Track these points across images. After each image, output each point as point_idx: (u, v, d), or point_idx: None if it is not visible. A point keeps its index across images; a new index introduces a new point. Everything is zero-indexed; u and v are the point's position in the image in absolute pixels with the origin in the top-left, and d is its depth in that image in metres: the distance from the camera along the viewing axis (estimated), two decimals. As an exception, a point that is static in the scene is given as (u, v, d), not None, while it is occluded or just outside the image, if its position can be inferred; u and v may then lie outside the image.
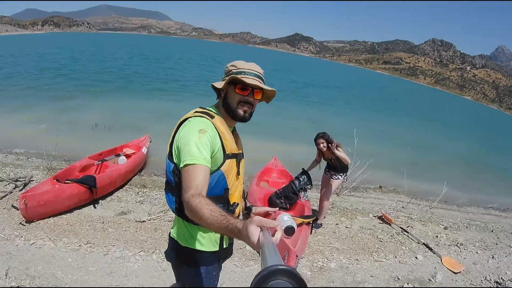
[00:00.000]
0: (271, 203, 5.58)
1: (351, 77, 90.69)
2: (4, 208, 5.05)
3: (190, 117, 1.73)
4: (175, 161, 1.68)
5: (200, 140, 1.58)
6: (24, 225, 4.65)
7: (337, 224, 6.11)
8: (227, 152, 1.75)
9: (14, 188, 5.73)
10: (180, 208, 1.68)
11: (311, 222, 4.80)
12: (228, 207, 1.84)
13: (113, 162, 7.00)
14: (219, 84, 1.80)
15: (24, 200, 4.58)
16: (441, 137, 20.45)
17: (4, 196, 5.42)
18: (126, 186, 6.77)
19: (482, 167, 14.66)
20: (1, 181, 5.95)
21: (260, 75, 1.80)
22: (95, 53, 46.96)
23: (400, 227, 5.96)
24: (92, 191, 5.60)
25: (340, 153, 5.16)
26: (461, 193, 10.09)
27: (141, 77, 26.22)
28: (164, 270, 4.05)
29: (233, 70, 1.77)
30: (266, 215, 1.91)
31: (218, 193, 1.76)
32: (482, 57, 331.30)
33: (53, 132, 9.82)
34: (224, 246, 1.93)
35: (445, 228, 6.34)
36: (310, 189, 5.76)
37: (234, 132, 1.95)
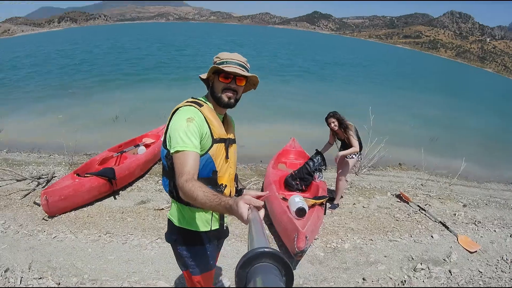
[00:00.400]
0: (287, 184, 5.64)
1: (371, 53, 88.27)
2: (27, 206, 5.30)
3: (180, 107, 1.88)
4: (168, 147, 1.82)
5: (189, 128, 1.73)
6: (47, 220, 4.87)
7: (354, 204, 6.09)
8: (214, 137, 1.89)
9: (37, 186, 5.98)
10: (173, 190, 1.92)
11: (324, 202, 4.82)
12: (217, 189, 1.96)
13: (132, 153, 7.17)
14: (205, 75, 1.97)
15: (46, 196, 4.78)
16: (462, 111, 19.68)
17: (28, 194, 5.68)
18: (146, 175, 6.92)
19: (504, 142, 14.04)
20: (24, 179, 6.21)
21: (242, 63, 1.92)
22: (113, 45, 47.57)
23: (418, 205, 5.87)
24: (112, 182, 5.78)
25: (350, 136, 5.16)
26: (481, 169, 9.76)
27: (161, 67, 26.32)
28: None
29: (217, 61, 1.91)
30: (258, 197, 1.98)
31: (207, 175, 1.89)
32: (501, 28, 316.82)
33: (74, 128, 10.15)
34: (213, 228, 2.07)
35: (464, 205, 6.20)
36: (324, 170, 5.75)
37: (225, 118, 2.10)
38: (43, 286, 3.38)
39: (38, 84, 18.10)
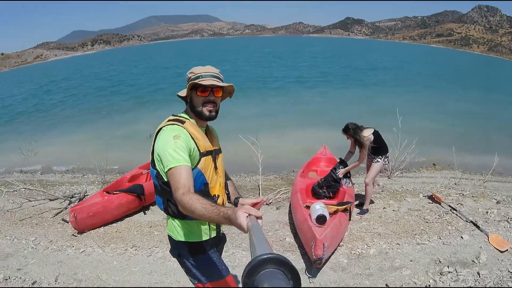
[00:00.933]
0: (314, 193, 5.61)
1: (406, 54, 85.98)
2: (58, 223, 5.57)
3: (164, 127, 1.93)
4: (157, 167, 1.90)
5: (177, 145, 1.79)
6: (76, 236, 5.10)
7: (384, 208, 5.91)
8: (201, 151, 1.95)
9: (69, 204, 6.28)
10: (168, 207, 1.98)
11: (348, 208, 4.75)
12: (210, 200, 1.96)
13: None
14: (183, 93, 2.00)
15: (74, 213, 5.01)
16: (496, 106, 18.50)
17: (59, 212, 5.98)
18: None
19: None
20: (56, 199, 6.52)
21: (216, 74, 1.98)
22: (148, 64, 49.08)
23: (449, 206, 5.61)
24: (141, 198, 5.96)
25: (361, 150, 5.30)
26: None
27: None
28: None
29: (192, 77, 1.96)
30: (254, 205, 1.99)
31: (199, 188, 1.93)
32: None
33: (108, 147, 10.55)
34: (212, 236, 2.13)
35: (498, 202, 5.82)
36: (349, 176, 5.68)
37: (207, 130, 2.14)
38: None
39: (74, 107, 19.14)
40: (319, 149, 7.45)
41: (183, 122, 1.94)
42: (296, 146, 10.30)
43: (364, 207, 5.71)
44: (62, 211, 6.03)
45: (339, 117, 13.86)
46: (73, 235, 5.12)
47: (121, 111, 17.38)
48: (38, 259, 4.44)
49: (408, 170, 8.32)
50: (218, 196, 2.09)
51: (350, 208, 4.84)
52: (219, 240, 2.27)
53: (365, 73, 33.19)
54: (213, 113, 1.99)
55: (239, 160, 8.71)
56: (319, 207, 4.49)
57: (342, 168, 5.59)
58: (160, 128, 1.94)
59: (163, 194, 1.96)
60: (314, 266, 3.91)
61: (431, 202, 6.00)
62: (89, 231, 5.24)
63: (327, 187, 5.52)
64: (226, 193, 2.26)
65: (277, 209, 5.95)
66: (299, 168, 6.84)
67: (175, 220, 2.03)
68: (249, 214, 1.37)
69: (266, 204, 6.14)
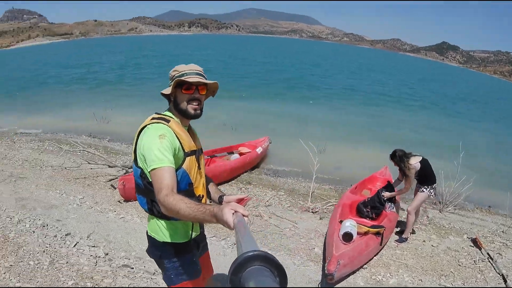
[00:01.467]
0: (358, 211, 5.62)
1: (497, 90, 79.69)
2: (109, 188, 6.09)
3: (148, 125, 1.90)
4: (141, 166, 1.87)
5: (162, 145, 1.77)
6: (121, 203, 5.58)
7: (424, 241, 5.69)
8: (186, 151, 1.94)
9: (125, 173, 6.78)
10: (152, 207, 1.95)
11: (381, 232, 4.70)
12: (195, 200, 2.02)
13: (226, 159, 7.66)
14: (168, 90, 1.98)
15: (123, 182, 5.48)
16: None
17: (113, 179, 6.52)
18: (233, 181, 7.30)
19: None
20: (114, 167, 7.10)
21: (200, 72, 1.99)
22: (245, 57, 49.94)
23: (487, 253, 5.31)
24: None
25: (407, 177, 5.25)
26: None
27: (285, 82, 26.80)
28: (225, 255, 4.49)
29: (176, 74, 1.95)
30: (239, 201, 2.01)
31: (184, 188, 1.93)
32: None
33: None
34: (194, 235, 2.12)
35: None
36: (394, 201, 5.61)
37: (189, 129, 2.13)
38: (91, 254, 3.94)
39: (157, 84, 20.02)
40: (379, 169, 7.36)
41: (168, 121, 1.91)
42: (361, 162, 10.08)
43: (403, 235, 5.56)
44: (116, 178, 6.52)
45: (414, 139, 13.35)
46: (118, 201, 5.60)
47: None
48: (79, 215, 4.96)
49: (461, 208, 7.89)
50: (203, 196, 2.09)
51: (382, 232, 4.76)
52: (201, 239, 2.28)
53: (453, 101, 31.30)
54: (198, 111, 1.98)
55: (298, 163, 8.78)
56: (349, 224, 4.53)
57: (387, 191, 5.56)
58: (144, 126, 1.91)
59: (147, 194, 1.92)
60: (326, 280, 3.95)
61: (472, 245, 5.68)
62: (134, 201, 5.59)
63: (372, 208, 5.51)
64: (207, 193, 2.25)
65: (320, 219, 5.96)
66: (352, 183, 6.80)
67: (160, 220, 1.99)
68: (235, 211, 1.38)
69: (312, 212, 6.17)
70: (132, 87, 20.32)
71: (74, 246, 4.04)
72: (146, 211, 2.02)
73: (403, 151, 5.29)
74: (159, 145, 1.76)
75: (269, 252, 0.89)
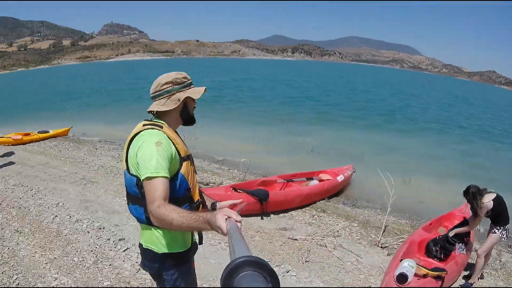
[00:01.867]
0: (427, 249, 5.11)
1: None
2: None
3: (141, 131, 1.84)
4: (135, 174, 1.80)
5: (159, 153, 1.72)
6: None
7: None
8: (182, 155, 1.89)
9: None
10: (149, 218, 1.82)
11: (443, 276, 4.18)
12: (193, 205, 1.95)
13: (305, 185, 7.40)
14: (174, 104, 1.93)
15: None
16: None
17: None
18: (307, 208, 6.95)
19: None
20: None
21: None
22: (346, 85, 49.75)
23: None
24: (262, 203, 6.10)
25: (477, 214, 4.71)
26: None
27: (382, 111, 25.35)
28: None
29: (186, 82, 1.98)
30: (232, 207, 1.96)
31: (183, 194, 1.88)
32: None
33: (269, 151, 10.98)
34: (192, 242, 2.05)
35: None
36: (466, 242, 5.01)
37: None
38: (138, 261, 3.94)
39: (248, 108, 20.90)
40: (460, 206, 6.48)
41: (161, 127, 1.87)
42: (446, 198, 8.84)
43: (470, 280, 4.88)
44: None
45: (506, 180, 11.38)
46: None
47: (298, 121, 17.83)
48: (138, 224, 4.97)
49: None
50: (200, 201, 2.04)
51: (444, 276, 4.22)
52: (195, 247, 2.16)
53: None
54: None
55: (379, 195, 7.98)
56: (407, 264, 4.14)
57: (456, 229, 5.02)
58: (137, 133, 1.84)
59: (144, 203, 1.77)
60: None
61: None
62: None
63: (441, 247, 4.97)
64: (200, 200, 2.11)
65: (388, 255, 5.34)
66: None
67: (157, 230, 1.88)
68: (228, 217, 1.35)
69: (381, 247, 5.55)
70: (226, 106, 21.29)
71: (124, 251, 4.09)
72: (142, 222, 1.92)
73: (477, 187, 4.73)
74: (156, 153, 1.72)
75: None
